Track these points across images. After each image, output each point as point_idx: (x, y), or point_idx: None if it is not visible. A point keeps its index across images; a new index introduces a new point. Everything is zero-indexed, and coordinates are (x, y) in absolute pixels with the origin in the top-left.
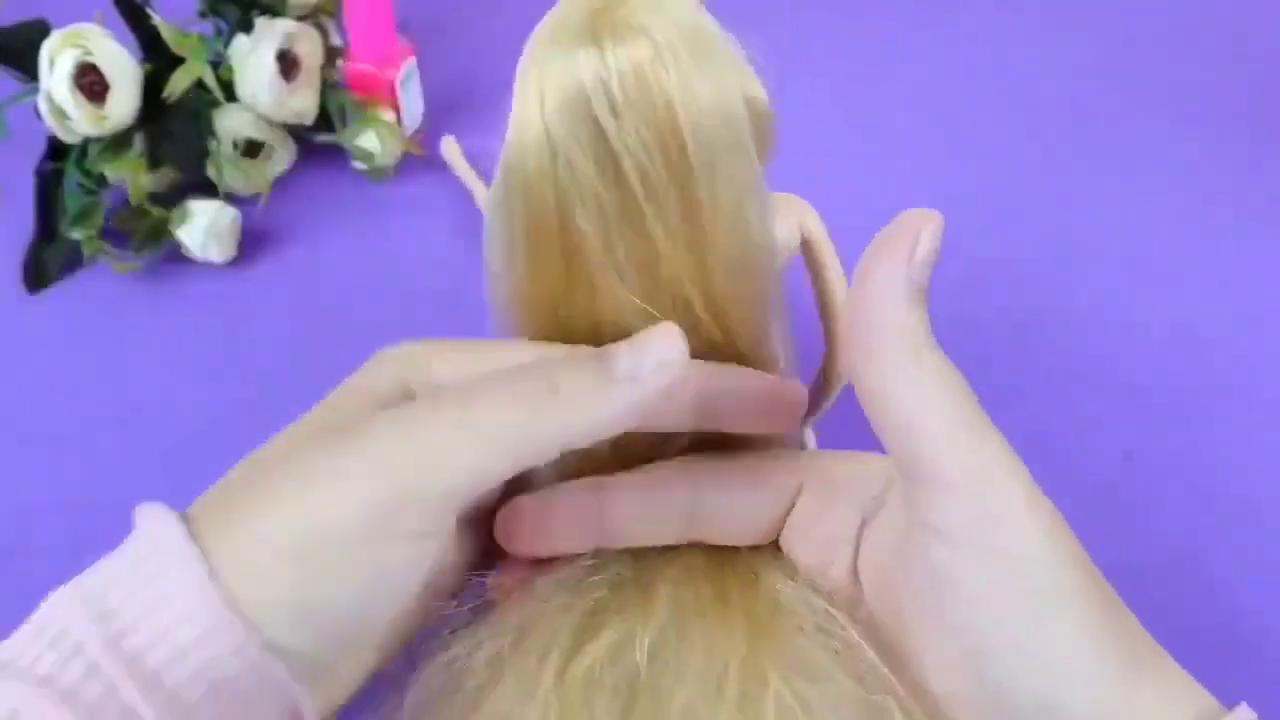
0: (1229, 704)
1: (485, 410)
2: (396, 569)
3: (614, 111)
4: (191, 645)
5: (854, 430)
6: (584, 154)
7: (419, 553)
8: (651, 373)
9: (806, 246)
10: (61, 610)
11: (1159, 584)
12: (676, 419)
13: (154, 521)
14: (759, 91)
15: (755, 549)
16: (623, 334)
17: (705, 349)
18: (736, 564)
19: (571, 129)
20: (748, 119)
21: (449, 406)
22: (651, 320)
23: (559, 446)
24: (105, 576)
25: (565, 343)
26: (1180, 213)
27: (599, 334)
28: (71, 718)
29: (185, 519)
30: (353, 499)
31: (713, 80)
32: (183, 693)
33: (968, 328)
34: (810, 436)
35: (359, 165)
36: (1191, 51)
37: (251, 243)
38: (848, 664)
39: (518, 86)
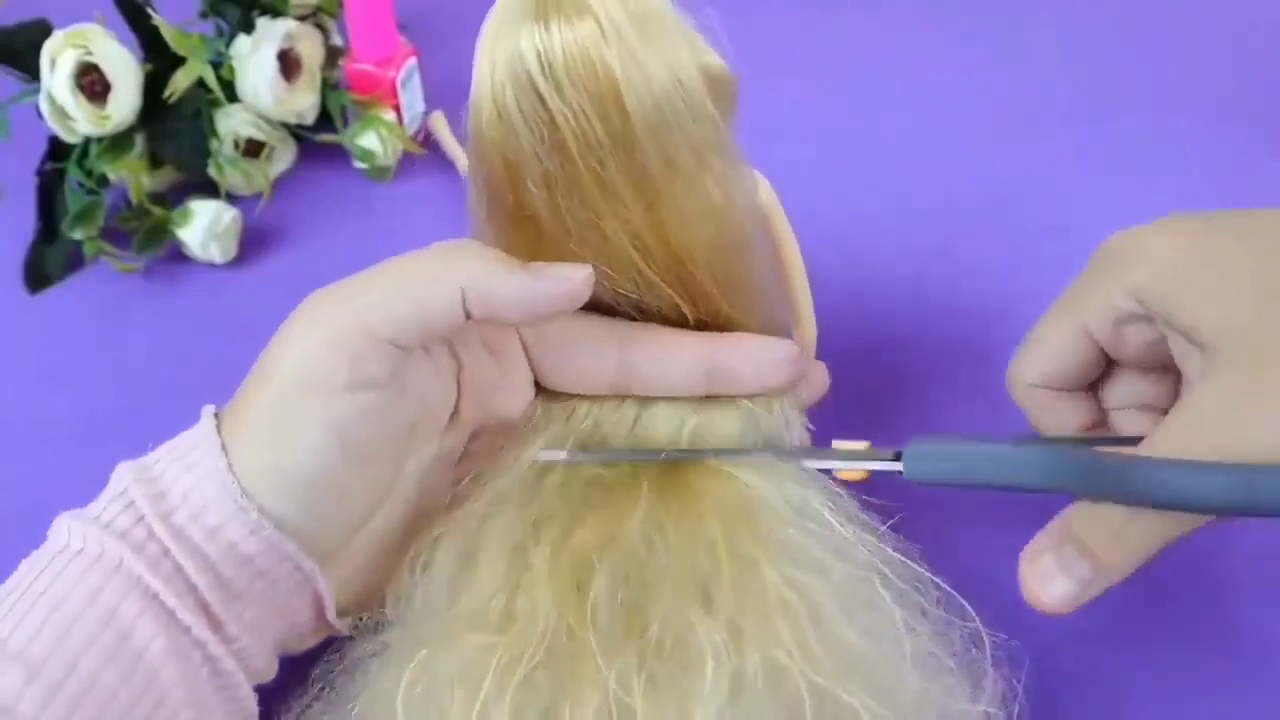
0: (1228, 705)
1: (403, 263)
2: (344, 420)
3: (555, 83)
4: (215, 529)
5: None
6: (524, 122)
7: (361, 403)
8: (552, 275)
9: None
10: (125, 482)
11: (1159, 584)
12: (689, 386)
13: (204, 416)
14: (714, 60)
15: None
16: None
17: (662, 295)
18: (701, 469)
19: (516, 99)
20: (703, 85)
21: (368, 272)
22: (602, 275)
23: (460, 302)
24: (159, 461)
25: None
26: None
27: None
28: (142, 562)
29: (219, 417)
30: (290, 357)
31: (661, 53)
32: (219, 565)
33: (966, 327)
34: (807, 437)
35: (360, 165)
36: (1191, 49)
37: (251, 243)
38: (824, 540)
39: (475, 60)
